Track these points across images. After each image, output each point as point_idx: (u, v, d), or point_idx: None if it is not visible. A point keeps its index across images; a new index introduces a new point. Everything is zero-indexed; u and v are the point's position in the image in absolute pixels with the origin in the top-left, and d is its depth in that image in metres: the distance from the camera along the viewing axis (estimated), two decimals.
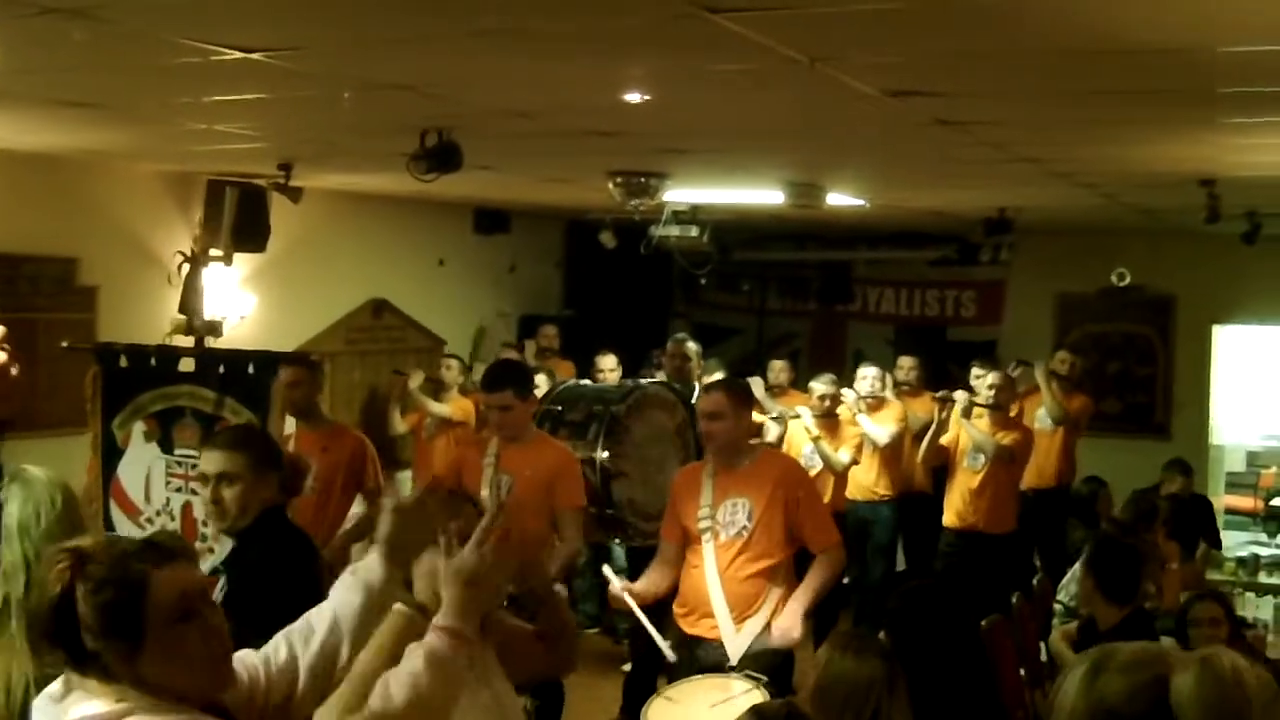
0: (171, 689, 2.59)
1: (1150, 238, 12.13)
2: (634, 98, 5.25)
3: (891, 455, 9.80)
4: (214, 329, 8.90)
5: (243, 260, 9.35)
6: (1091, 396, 11.05)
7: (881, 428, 9.66)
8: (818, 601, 6.04)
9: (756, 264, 14.14)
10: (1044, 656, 7.40)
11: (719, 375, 9.24)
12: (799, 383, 10.55)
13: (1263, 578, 9.36)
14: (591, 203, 10.12)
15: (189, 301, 8.83)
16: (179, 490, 6.55)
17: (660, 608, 6.30)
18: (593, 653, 9.24)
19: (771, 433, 9.66)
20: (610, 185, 8.12)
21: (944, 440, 9.28)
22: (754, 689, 5.18)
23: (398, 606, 3.14)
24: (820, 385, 9.52)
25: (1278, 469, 12.37)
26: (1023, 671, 7.00)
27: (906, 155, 7.13)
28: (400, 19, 3.99)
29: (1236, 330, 12.81)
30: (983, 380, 9.40)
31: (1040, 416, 10.31)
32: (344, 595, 3.06)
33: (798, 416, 9.41)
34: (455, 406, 10.15)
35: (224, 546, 4.88)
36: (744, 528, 5.91)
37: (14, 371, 4.11)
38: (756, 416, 8.57)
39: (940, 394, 9.44)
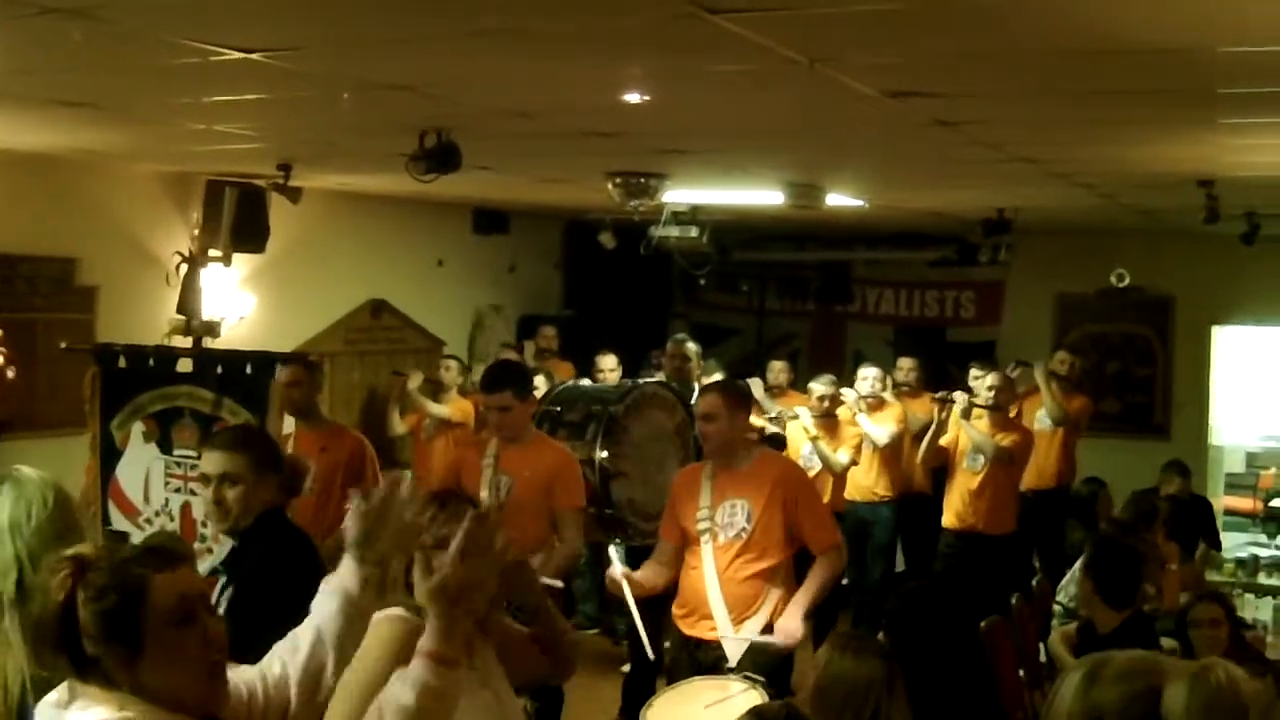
0: (170, 696, 2.59)
1: (1149, 238, 12.13)
2: (633, 98, 5.25)
3: (891, 456, 9.80)
4: (211, 329, 8.89)
5: (242, 260, 9.35)
6: (1091, 397, 11.05)
7: (881, 428, 9.66)
8: (818, 602, 6.04)
9: (756, 264, 14.14)
10: (1043, 658, 7.40)
11: (718, 376, 9.25)
12: (798, 383, 10.55)
13: (1262, 579, 9.37)
14: (591, 203, 10.11)
15: (187, 302, 8.83)
16: (178, 491, 6.54)
17: (657, 609, 6.30)
18: (592, 654, 9.23)
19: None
20: (610, 186, 8.12)
21: (943, 441, 9.29)
22: (753, 690, 5.18)
23: (393, 612, 3.14)
24: (819, 386, 9.53)
25: (1277, 470, 12.37)
26: (1022, 672, 7.00)
27: (906, 156, 7.13)
28: (399, 19, 3.99)
29: (1235, 331, 12.81)
30: (981, 381, 9.40)
31: (1040, 417, 10.31)
32: (323, 606, 3.05)
33: (796, 417, 9.41)
34: (454, 407, 10.15)
35: (223, 547, 4.88)
36: (743, 529, 5.91)
37: (10, 374, 4.11)
38: (756, 421, 8.58)
39: (940, 395, 9.45)
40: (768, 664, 5.67)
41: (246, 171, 8.79)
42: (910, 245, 13.09)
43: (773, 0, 3.61)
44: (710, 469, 6.10)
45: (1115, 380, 12.97)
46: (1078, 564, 7.59)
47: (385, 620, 3.15)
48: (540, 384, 9.09)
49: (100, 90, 5.62)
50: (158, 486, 6.59)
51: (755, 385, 9.78)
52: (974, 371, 10.00)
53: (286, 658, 3.00)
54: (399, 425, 10.44)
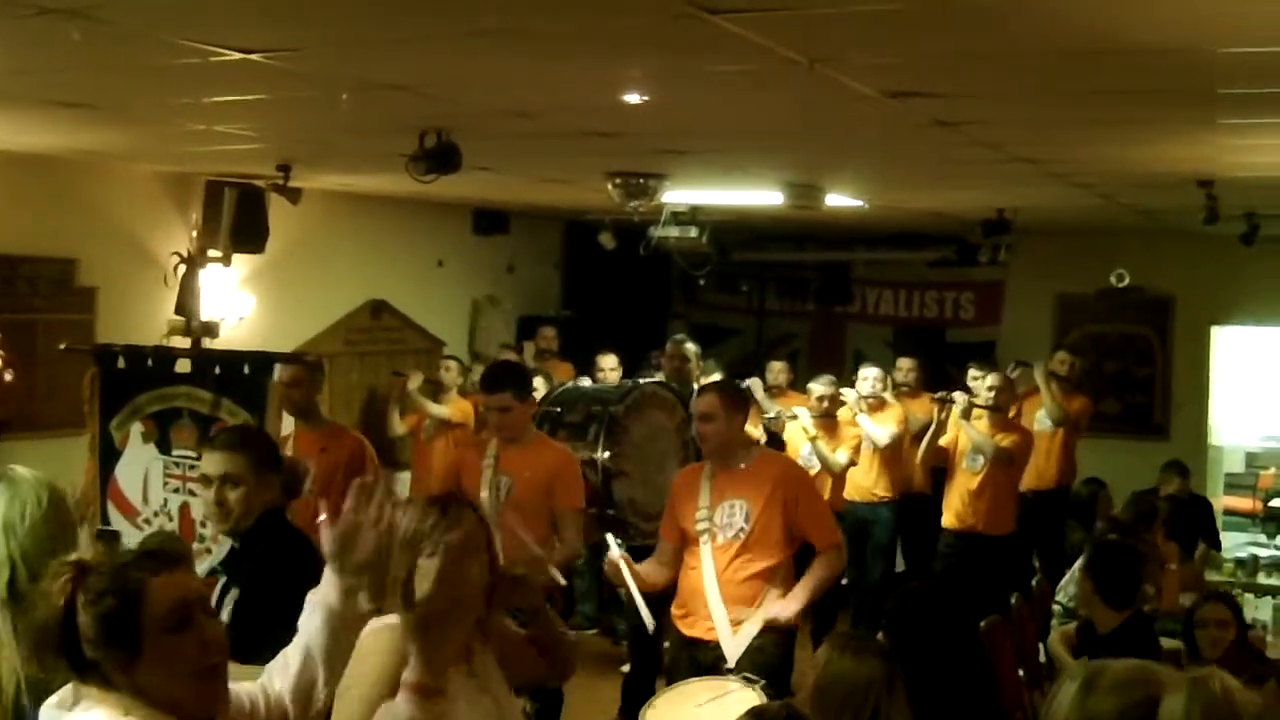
0: (167, 699, 2.59)
1: (1149, 238, 12.13)
2: (633, 98, 5.25)
3: (891, 456, 9.79)
4: (211, 330, 8.89)
5: (241, 261, 9.35)
6: (1091, 398, 11.04)
7: (882, 428, 9.66)
8: (817, 597, 6.04)
9: (755, 265, 14.13)
10: (1043, 658, 7.40)
11: (717, 376, 9.25)
12: (798, 384, 10.55)
13: (1262, 578, 9.36)
14: (590, 203, 10.12)
15: (186, 302, 8.83)
16: (176, 491, 6.54)
17: (657, 609, 6.30)
18: (591, 654, 9.23)
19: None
20: (609, 186, 8.12)
21: (943, 441, 9.29)
22: (752, 691, 5.18)
23: (389, 621, 3.13)
24: (819, 386, 9.53)
25: (1276, 470, 12.36)
26: (1021, 672, 7.00)
27: (905, 156, 7.13)
28: (399, 19, 3.99)
29: (1235, 331, 12.81)
30: (981, 381, 9.40)
31: (1040, 418, 10.30)
32: (309, 622, 3.05)
33: (795, 417, 9.41)
34: (454, 408, 10.15)
35: (222, 547, 4.87)
36: (741, 529, 5.90)
37: (9, 377, 4.11)
38: (753, 431, 8.58)
39: (939, 395, 9.45)
40: (766, 664, 5.67)
41: (246, 172, 8.79)
42: (910, 246, 13.08)
43: (772, 0, 3.61)
44: (709, 469, 6.10)
45: (1115, 380, 12.96)
46: (1077, 564, 7.59)
47: (385, 629, 3.15)
48: (539, 385, 9.09)
49: (99, 91, 5.62)
50: (156, 487, 6.59)
51: (755, 385, 9.79)
52: (973, 372, 10.00)
53: (280, 675, 3.00)
54: (399, 426, 10.44)
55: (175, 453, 6.55)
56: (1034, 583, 8.49)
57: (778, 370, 10.71)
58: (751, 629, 5.84)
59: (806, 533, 6.00)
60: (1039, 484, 10.14)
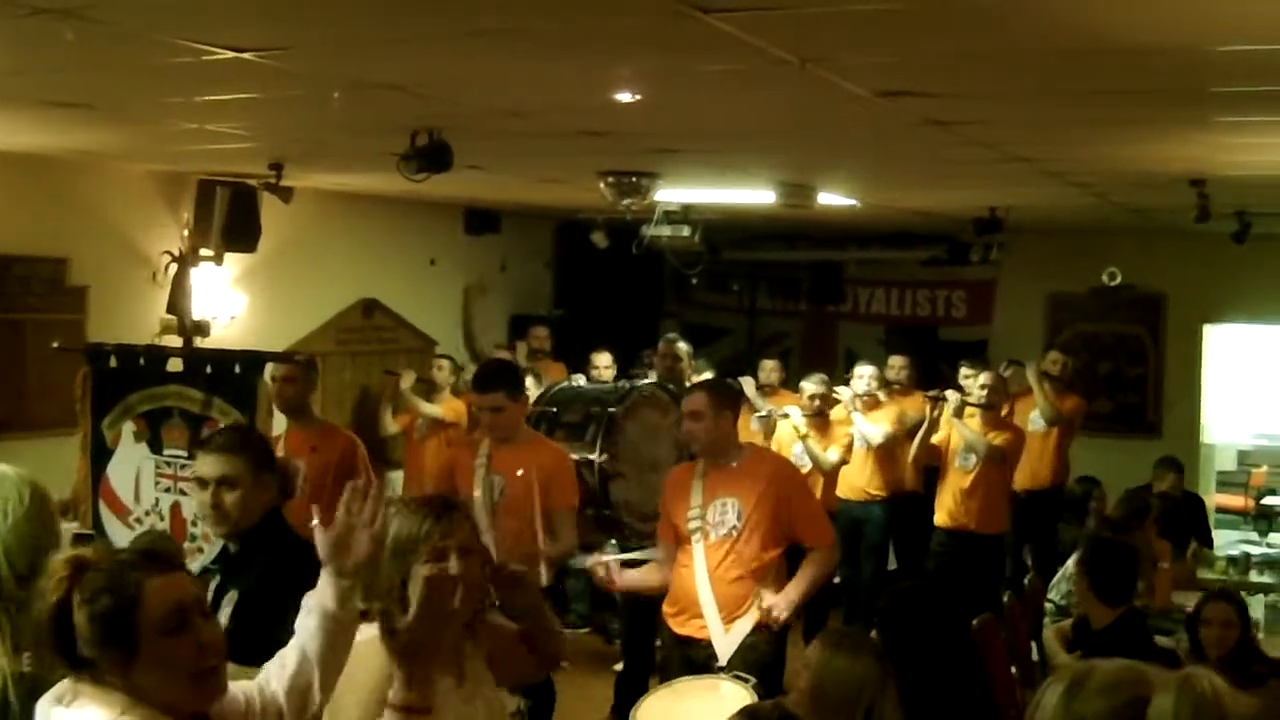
0: (163, 700, 2.59)
1: (1141, 237, 12.15)
2: (625, 97, 5.25)
3: (885, 455, 9.79)
4: (202, 329, 8.88)
5: (233, 260, 9.34)
6: (1084, 397, 11.04)
7: (876, 427, 9.66)
8: (809, 597, 6.04)
9: (747, 264, 14.14)
10: (1035, 656, 7.41)
11: (707, 375, 9.26)
12: (790, 382, 10.54)
13: (1253, 576, 9.36)
14: (583, 202, 10.11)
15: (177, 301, 8.82)
16: (168, 490, 6.54)
17: (649, 608, 6.31)
18: (584, 653, 9.24)
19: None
20: (601, 185, 8.12)
21: (935, 440, 9.29)
22: (743, 689, 5.18)
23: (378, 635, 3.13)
24: (810, 385, 9.53)
25: (1268, 468, 12.40)
26: (1014, 670, 7.01)
27: (897, 155, 7.13)
28: (390, 19, 3.99)
29: (1227, 329, 12.83)
30: (974, 380, 9.41)
31: (1033, 418, 10.31)
32: (304, 624, 3.04)
33: (786, 416, 9.41)
34: (447, 407, 10.16)
35: (214, 547, 4.86)
36: (733, 527, 5.90)
37: None
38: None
39: (932, 393, 9.44)
40: (758, 662, 5.67)
41: (238, 171, 8.78)
42: (902, 244, 13.10)
43: (765, 0, 3.61)
44: (702, 467, 6.10)
45: (1107, 379, 12.98)
46: (1070, 562, 7.60)
47: (378, 638, 3.15)
48: (529, 385, 9.08)
49: (92, 90, 5.61)
50: (148, 486, 6.59)
51: (747, 384, 9.79)
52: (965, 370, 10.02)
53: (276, 675, 3.00)
54: (391, 425, 10.45)
55: (166, 452, 6.55)
56: (1027, 581, 8.50)
57: (770, 369, 10.70)
58: (744, 627, 5.84)
59: (798, 531, 6.00)
60: (1032, 483, 10.16)
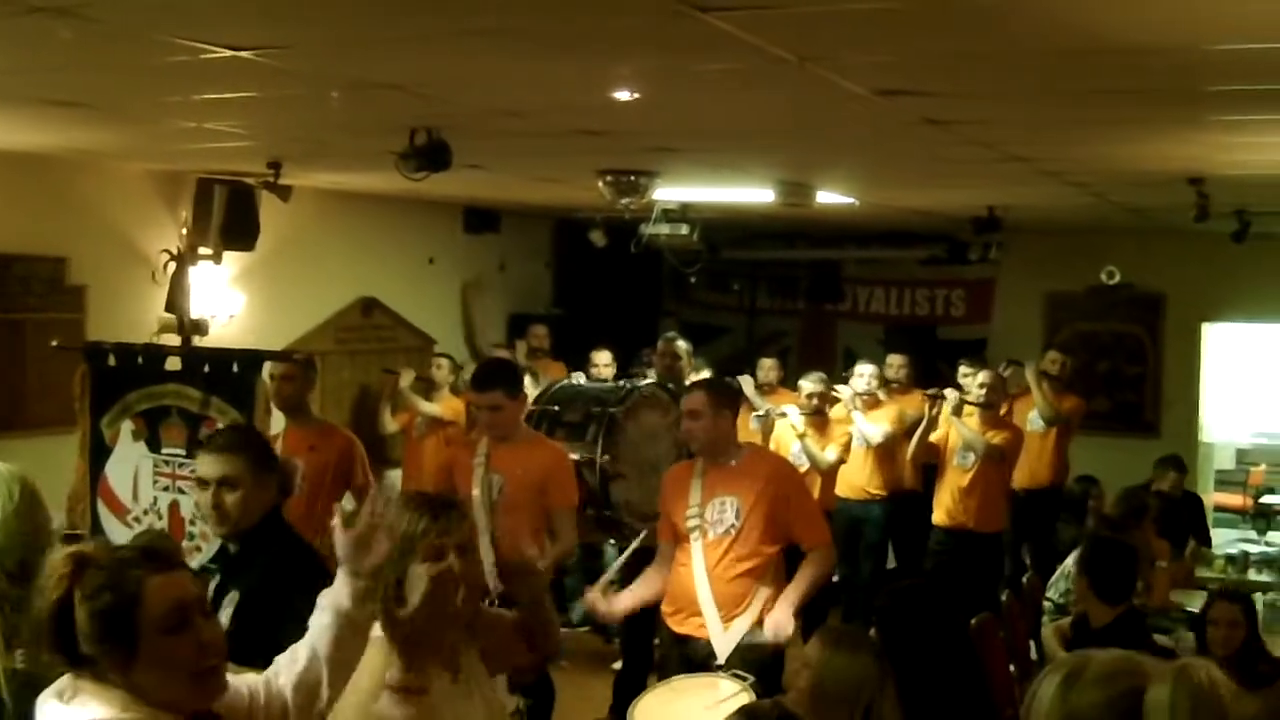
0: (162, 698, 2.59)
1: (1139, 236, 12.15)
2: (624, 96, 5.25)
3: (885, 455, 9.78)
4: (201, 328, 8.88)
5: (232, 259, 9.33)
6: (1083, 397, 11.04)
7: (876, 426, 9.66)
8: (808, 599, 6.04)
9: (746, 263, 14.13)
10: (1034, 654, 7.42)
11: (706, 374, 9.26)
12: (789, 381, 10.54)
13: (1252, 575, 9.37)
14: (581, 201, 10.11)
15: (176, 300, 8.82)
16: (166, 489, 6.54)
17: (650, 609, 6.30)
18: (583, 652, 9.24)
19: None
20: (600, 184, 8.11)
21: (933, 438, 9.29)
22: (741, 688, 5.19)
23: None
24: (809, 384, 9.52)
25: (1267, 467, 12.41)
26: (1013, 669, 7.01)
27: (896, 154, 7.13)
28: (389, 18, 3.99)
29: (1226, 328, 12.84)
30: (972, 379, 9.41)
31: (1032, 418, 10.31)
32: (318, 621, 3.04)
33: (784, 415, 9.40)
34: (446, 406, 10.16)
35: (212, 545, 4.86)
36: (732, 526, 5.91)
37: None
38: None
39: (931, 391, 9.44)
40: (757, 661, 5.67)
41: (236, 170, 8.78)
42: (900, 243, 13.10)
43: None
44: (701, 466, 6.10)
45: (1105, 378, 12.98)
46: (1068, 560, 7.60)
47: (381, 640, 3.15)
48: (527, 384, 9.08)
49: (90, 89, 5.61)
50: (146, 485, 6.59)
51: (746, 383, 9.79)
52: (963, 369, 10.02)
53: (286, 669, 3.00)
54: (391, 424, 10.45)
55: (165, 451, 6.55)
56: (1025, 580, 8.50)
57: (768, 368, 10.69)
58: (742, 625, 5.84)
59: (794, 531, 6.00)
60: (1031, 483, 10.16)
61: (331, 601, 3.01)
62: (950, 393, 9.27)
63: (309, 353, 8.33)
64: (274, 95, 5.47)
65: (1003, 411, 9.60)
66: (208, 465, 4.20)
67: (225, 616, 3.86)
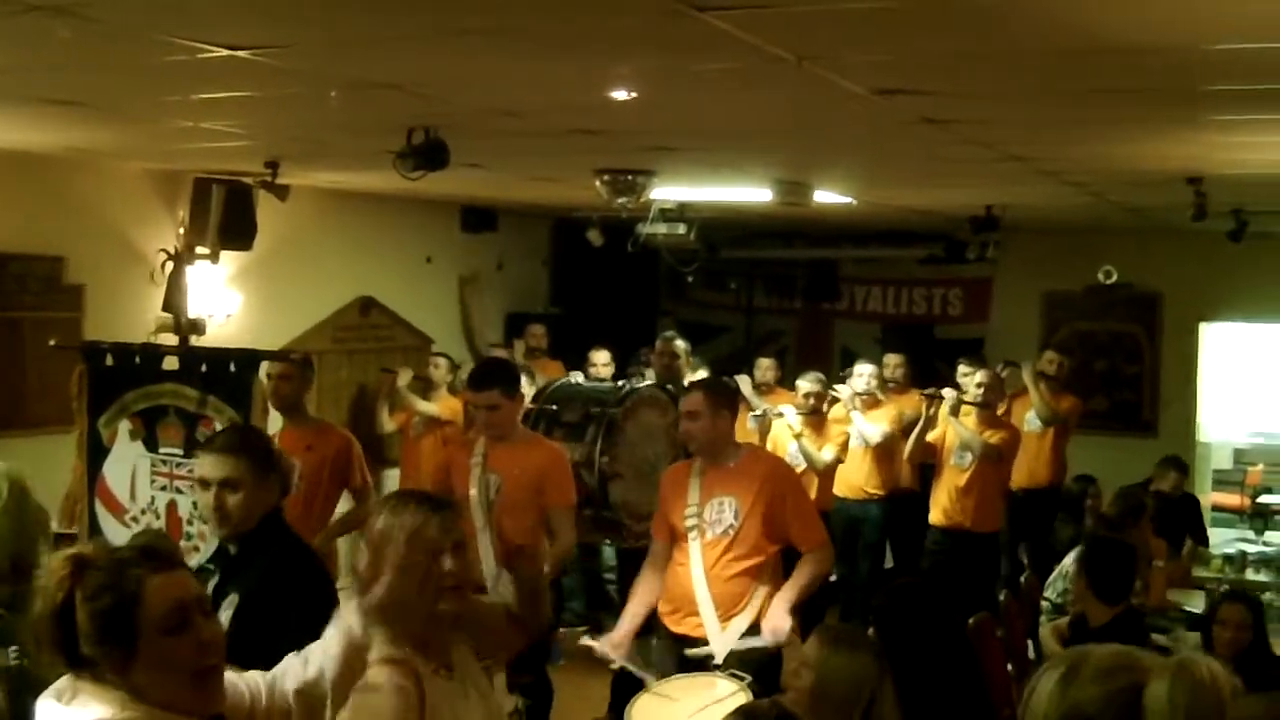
0: (162, 699, 2.59)
1: (1137, 235, 12.16)
2: (622, 95, 5.24)
3: (883, 454, 9.78)
4: (198, 327, 8.87)
5: (229, 258, 9.33)
6: (1080, 397, 11.05)
7: (875, 426, 9.66)
8: (804, 598, 6.04)
9: (744, 262, 14.14)
10: (1031, 654, 7.42)
11: (703, 373, 9.26)
12: (786, 381, 10.53)
13: (1250, 575, 9.37)
14: (579, 201, 10.11)
15: (173, 300, 8.81)
16: (163, 489, 6.53)
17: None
18: (581, 651, 9.22)
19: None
20: (598, 183, 8.11)
21: (930, 437, 9.29)
22: (739, 688, 5.19)
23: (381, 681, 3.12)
24: (806, 383, 9.51)
25: (1264, 466, 12.40)
26: (1010, 668, 7.01)
27: (894, 153, 7.13)
28: (387, 18, 3.98)
29: (1223, 328, 12.84)
30: (970, 378, 9.41)
31: (1029, 418, 10.32)
32: (330, 645, 3.04)
33: (781, 415, 9.40)
34: (443, 405, 10.15)
35: (210, 545, 4.85)
36: (730, 526, 5.91)
37: None
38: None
39: (928, 391, 9.44)
40: (754, 661, 5.67)
41: (234, 169, 8.78)
42: (898, 243, 13.10)
43: None
44: (699, 466, 6.10)
45: (1103, 378, 12.99)
46: (1066, 560, 7.61)
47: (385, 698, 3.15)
48: (524, 383, 9.08)
49: (88, 88, 5.61)
50: (144, 484, 6.58)
51: (743, 382, 9.79)
52: (962, 369, 10.01)
53: (294, 675, 2.99)
54: (388, 423, 10.44)
55: (162, 450, 6.54)
56: (1023, 579, 8.50)
57: (766, 367, 10.69)
58: (740, 625, 5.84)
59: (791, 532, 6.00)
60: (1029, 482, 10.16)
61: (345, 628, 3.01)
62: (948, 392, 9.27)
63: (306, 352, 8.32)
64: (272, 95, 5.47)
65: (1001, 411, 9.60)
66: (210, 466, 4.17)
67: (224, 619, 3.84)
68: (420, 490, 3.79)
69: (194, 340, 8.66)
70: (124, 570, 2.60)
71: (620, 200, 8.21)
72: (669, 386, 8.71)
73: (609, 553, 9.85)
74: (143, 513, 6.58)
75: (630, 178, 8.03)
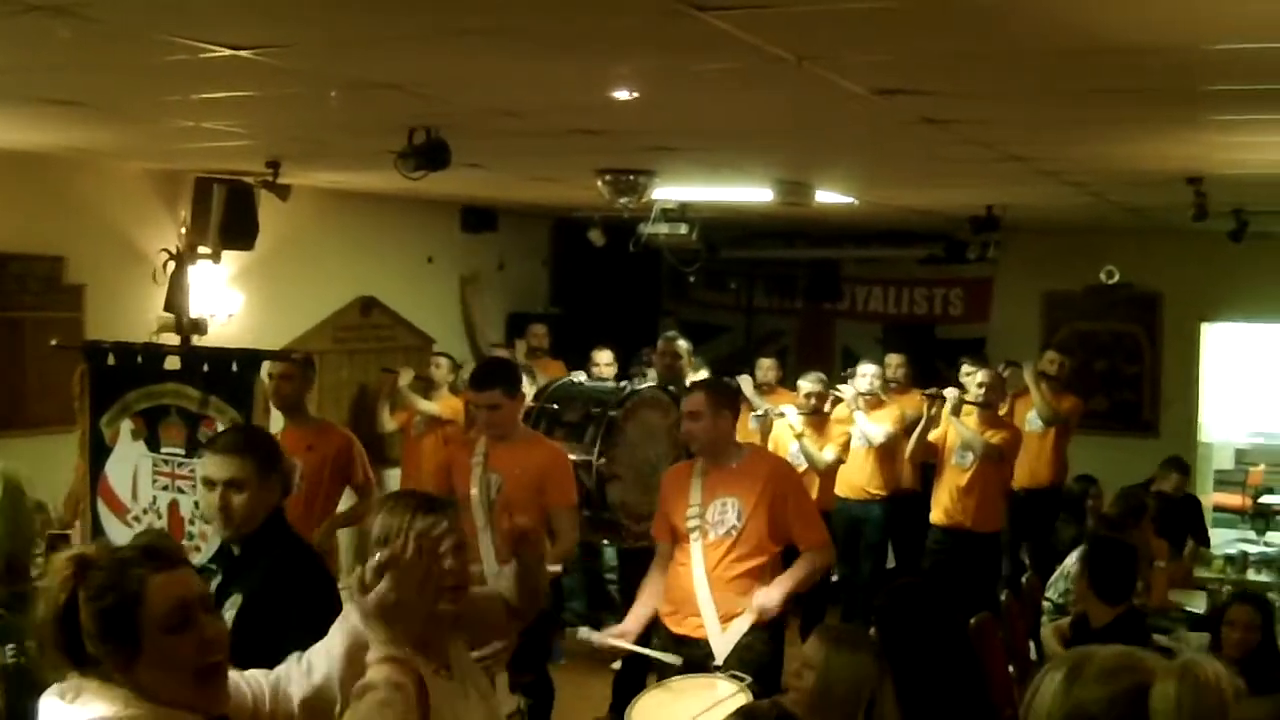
0: (166, 697, 2.59)
1: (1138, 235, 12.15)
2: (623, 95, 5.24)
3: (885, 455, 9.79)
4: (199, 327, 8.88)
5: (230, 258, 9.32)
6: (1081, 396, 11.05)
7: (877, 426, 9.66)
8: (801, 590, 6.04)
9: (745, 262, 14.14)
10: (1033, 654, 7.42)
11: (704, 374, 9.26)
12: (787, 381, 10.54)
13: (1251, 575, 9.36)
14: (580, 201, 10.11)
15: (174, 299, 8.81)
16: (165, 488, 6.54)
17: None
18: (582, 651, 9.21)
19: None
20: (599, 183, 8.11)
21: (932, 437, 9.29)
22: (739, 689, 5.19)
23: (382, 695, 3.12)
24: (807, 384, 9.51)
25: (1266, 466, 12.40)
26: (1012, 669, 7.01)
27: (894, 153, 7.13)
28: (387, 18, 3.98)
29: (1224, 328, 12.83)
30: (972, 378, 9.41)
31: (1030, 418, 10.32)
32: (335, 646, 3.03)
33: (782, 415, 9.40)
34: (444, 405, 10.15)
35: (211, 544, 4.84)
36: (733, 527, 5.91)
37: None
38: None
39: (930, 390, 9.44)
40: (755, 662, 5.68)
41: (235, 169, 8.77)
42: (899, 243, 13.10)
43: None
44: (701, 466, 6.10)
45: (1103, 378, 12.98)
46: (1068, 560, 7.61)
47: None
48: (524, 383, 9.07)
49: (89, 88, 5.61)
50: (145, 484, 6.59)
51: (745, 383, 9.79)
52: (965, 368, 10.01)
53: (299, 681, 2.99)
54: (389, 422, 10.45)
55: (164, 450, 6.55)
56: (1024, 579, 8.50)
57: (767, 367, 10.69)
58: (740, 626, 5.84)
59: (793, 532, 6.00)
60: (1030, 482, 10.17)
61: (351, 629, 3.01)
62: (949, 392, 9.27)
63: (308, 352, 8.32)
64: (273, 95, 5.47)
65: (1004, 411, 9.59)
66: (215, 466, 4.16)
67: (227, 619, 3.84)
68: (419, 490, 3.79)
69: (196, 340, 8.66)
70: (126, 569, 2.61)
71: (622, 200, 8.21)
72: (671, 387, 8.70)
73: (610, 553, 9.84)
74: (145, 512, 6.59)
75: (631, 178, 8.03)
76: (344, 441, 7.35)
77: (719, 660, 5.74)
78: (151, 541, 2.80)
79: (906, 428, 9.73)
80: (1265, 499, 11.51)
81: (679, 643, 5.97)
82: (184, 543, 6.22)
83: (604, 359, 10.65)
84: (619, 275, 12.48)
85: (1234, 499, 12.28)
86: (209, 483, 4.15)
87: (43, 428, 7.74)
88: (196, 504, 5.93)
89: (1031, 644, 7.52)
